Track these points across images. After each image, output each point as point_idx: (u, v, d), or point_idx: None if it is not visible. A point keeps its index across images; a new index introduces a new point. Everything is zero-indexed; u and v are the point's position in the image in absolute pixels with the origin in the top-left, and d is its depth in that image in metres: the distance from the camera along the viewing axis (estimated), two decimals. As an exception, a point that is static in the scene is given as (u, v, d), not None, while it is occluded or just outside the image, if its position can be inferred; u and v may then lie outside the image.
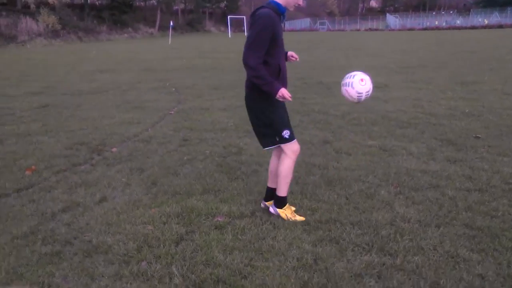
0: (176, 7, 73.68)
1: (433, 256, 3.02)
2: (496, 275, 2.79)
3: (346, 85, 3.46)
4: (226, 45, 32.81)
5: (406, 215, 3.63)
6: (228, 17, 57.52)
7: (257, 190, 4.22)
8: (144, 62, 19.05)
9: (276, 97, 3.25)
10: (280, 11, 3.31)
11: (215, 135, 6.30)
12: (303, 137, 6.01)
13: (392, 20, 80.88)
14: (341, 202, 3.92)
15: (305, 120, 7.09)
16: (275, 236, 3.32)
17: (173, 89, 10.85)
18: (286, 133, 3.46)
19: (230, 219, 3.63)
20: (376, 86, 10.21)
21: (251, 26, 3.26)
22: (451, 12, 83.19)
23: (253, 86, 3.34)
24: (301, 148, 5.47)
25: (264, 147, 3.60)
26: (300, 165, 4.89)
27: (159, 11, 62.13)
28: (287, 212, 3.64)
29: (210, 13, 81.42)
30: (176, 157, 5.32)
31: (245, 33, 60.03)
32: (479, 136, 5.90)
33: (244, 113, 7.58)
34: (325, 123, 6.82)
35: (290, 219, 3.59)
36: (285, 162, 3.53)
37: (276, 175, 3.64)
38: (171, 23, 36.65)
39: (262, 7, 3.31)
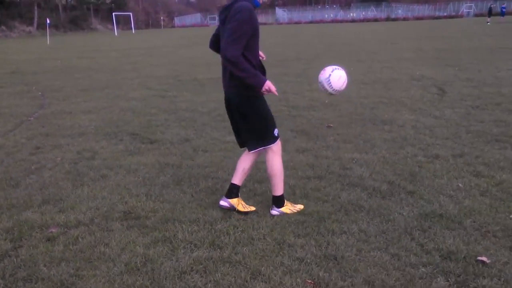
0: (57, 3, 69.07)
1: (261, 245, 3.15)
2: (314, 256, 2.99)
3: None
4: (110, 44, 31.52)
5: (245, 207, 3.75)
6: (113, 14, 55.27)
7: (101, 195, 4.09)
8: (12, 64, 17.61)
9: (262, 90, 3.15)
10: (255, 4, 3.22)
11: (71, 140, 6.01)
12: (164, 137, 5.97)
13: (281, 13, 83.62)
14: (186, 200, 3.94)
15: (171, 118, 7.04)
16: (108, 243, 3.24)
17: (39, 93, 10.17)
18: (276, 132, 3.42)
19: (65, 229, 3.48)
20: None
21: (229, 19, 3.12)
22: (334, 6, 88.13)
23: (240, 85, 3.20)
24: (158, 149, 5.49)
25: (251, 150, 3.49)
26: (153, 165, 4.86)
27: (36, 7, 57.73)
28: (288, 207, 3.64)
29: (95, 10, 77.61)
30: (23, 167, 4.98)
31: (133, 31, 58.19)
32: (331, 125, 6.29)
33: (107, 114, 7.44)
34: (190, 121, 6.83)
35: (294, 211, 3.61)
36: (275, 160, 3.48)
37: (269, 176, 3.55)
38: (48, 21, 34.25)
39: (237, 1, 3.17)
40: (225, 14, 3.20)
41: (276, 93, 3.21)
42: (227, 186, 4.19)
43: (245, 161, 3.67)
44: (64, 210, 3.81)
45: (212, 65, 14.54)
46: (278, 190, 3.58)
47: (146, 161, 5.02)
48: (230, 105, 3.44)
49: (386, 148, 5.20)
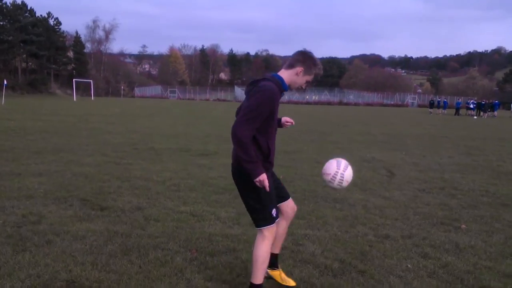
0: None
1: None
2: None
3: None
4: (68, 109, 31.22)
5: (195, 281, 3.65)
6: (74, 80, 55.40)
7: (44, 262, 3.88)
8: (-39, 122, 17.05)
9: (254, 180, 3.01)
10: (283, 88, 3.17)
11: (17, 202, 5.75)
12: (116, 204, 5.82)
13: (239, 92, 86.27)
14: (133, 271, 3.79)
15: (124, 186, 6.90)
16: (47, 313, 3.04)
17: (-13, 152, 9.79)
18: (274, 212, 3.22)
19: (0, 297, 3.25)
20: (205, 153, 10.65)
21: (249, 95, 3.07)
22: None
23: None
24: (109, 216, 5.34)
25: (256, 226, 3.28)
26: (102, 233, 4.69)
27: (-6, 69, 57.04)
28: None
29: (56, 75, 77.42)
30: (-40, 228, 4.69)
31: (92, 97, 58.10)
32: (285, 201, 6.35)
33: (58, 178, 7.23)
34: (144, 189, 6.73)
35: None
36: (263, 245, 3.22)
37: (252, 259, 3.28)
38: (5, 82, 33.95)
39: (264, 79, 3.13)
40: (250, 88, 3.14)
41: (268, 189, 3.06)
42: (177, 258, 4.11)
43: (280, 229, 3.56)
44: (0, 276, 3.57)
45: (171, 136, 14.60)
46: (256, 278, 3.27)
47: (94, 228, 4.84)
48: (233, 177, 3.35)
49: (337, 226, 5.28)
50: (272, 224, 3.24)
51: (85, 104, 40.21)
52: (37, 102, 41.46)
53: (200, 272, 3.85)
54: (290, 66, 3.23)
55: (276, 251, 3.65)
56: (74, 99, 51.00)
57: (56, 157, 9.28)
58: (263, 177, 3.00)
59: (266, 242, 3.24)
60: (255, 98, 3.01)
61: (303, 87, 3.32)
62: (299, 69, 3.20)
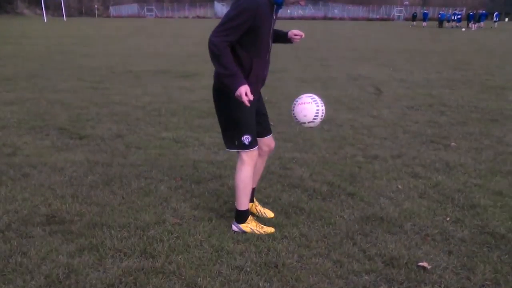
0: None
1: (198, 252, 2.94)
2: (254, 264, 2.82)
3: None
4: (39, 30, 29.79)
5: (181, 210, 3.53)
6: (43, -2, 52.34)
7: (21, 197, 3.69)
8: None
9: (235, 95, 2.72)
10: (275, 1, 2.80)
11: (-11, 134, 5.47)
12: (95, 132, 5.58)
13: (220, 8, 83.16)
14: (116, 202, 3.64)
15: (102, 112, 6.62)
16: (27, 252, 2.89)
17: (-47, 80, 9.28)
18: (246, 139, 2.99)
19: (-25, 236, 3.08)
20: (186, 75, 10.27)
21: (231, 6, 2.78)
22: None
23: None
24: (88, 145, 5.11)
25: (226, 148, 3.14)
26: (81, 163, 4.50)
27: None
28: (251, 225, 3.21)
29: (22, -7, 73.07)
30: None
31: (64, 18, 55.50)
32: (271, 123, 6.13)
33: (32, 107, 6.89)
34: (123, 115, 6.46)
35: (259, 232, 3.18)
36: (242, 171, 3.09)
37: (234, 185, 3.17)
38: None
39: None
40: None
41: (247, 103, 2.73)
42: (161, 187, 3.96)
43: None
44: (-25, 213, 3.39)
45: (148, 57, 14.03)
46: (239, 204, 3.22)
47: (73, 159, 4.63)
48: (213, 95, 3.10)
49: (325, 148, 5.15)
50: (247, 149, 3.05)
51: (57, 26, 38.37)
52: (4, 23, 39.36)
53: (186, 200, 3.72)
54: None
55: (253, 185, 3.45)
56: (45, 20, 48.45)
57: (29, 83, 8.82)
58: (242, 90, 2.71)
59: (245, 167, 3.11)
60: (234, 8, 2.74)
61: (301, 3, 2.99)
62: None
